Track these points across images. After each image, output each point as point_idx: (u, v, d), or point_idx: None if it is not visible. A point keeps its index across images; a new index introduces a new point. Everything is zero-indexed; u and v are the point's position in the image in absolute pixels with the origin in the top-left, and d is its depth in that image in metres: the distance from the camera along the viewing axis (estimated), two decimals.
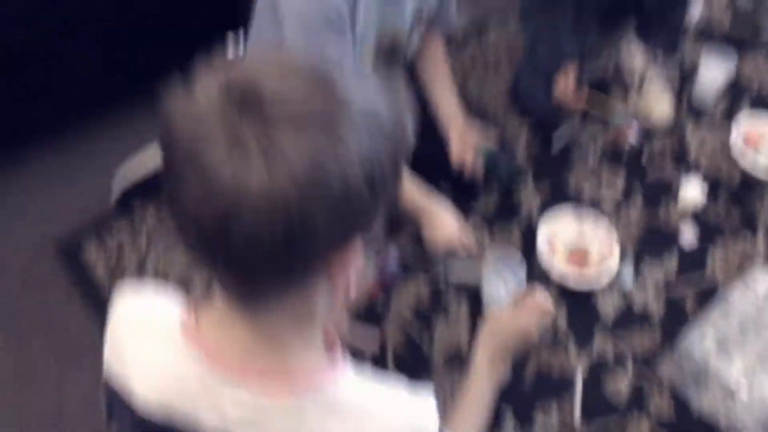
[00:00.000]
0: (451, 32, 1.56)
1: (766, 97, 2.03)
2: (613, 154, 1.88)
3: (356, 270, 0.63)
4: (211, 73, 0.56)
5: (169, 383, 0.66)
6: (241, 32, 1.67)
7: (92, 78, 1.75)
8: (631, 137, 1.88)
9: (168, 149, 0.56)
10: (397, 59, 1.40)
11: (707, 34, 2.16)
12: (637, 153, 1.88)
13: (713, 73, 1.94)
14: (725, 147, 1.89)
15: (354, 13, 1.20)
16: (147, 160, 1.70)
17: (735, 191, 1.83)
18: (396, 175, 0.61)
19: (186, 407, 0.65)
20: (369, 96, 0.58)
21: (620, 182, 1.83)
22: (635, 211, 1.78)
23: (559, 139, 1.89)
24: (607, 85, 2.02)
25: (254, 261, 0.56)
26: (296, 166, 0.53)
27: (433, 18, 1.43)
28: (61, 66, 1.68)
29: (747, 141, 1.89)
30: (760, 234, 1.76)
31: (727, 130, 1.91)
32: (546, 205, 1.74)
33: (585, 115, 1.93)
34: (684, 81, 2.03)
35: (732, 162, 1.87)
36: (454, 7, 1.48)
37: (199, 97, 0.55)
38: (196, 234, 0.57)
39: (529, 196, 1.78)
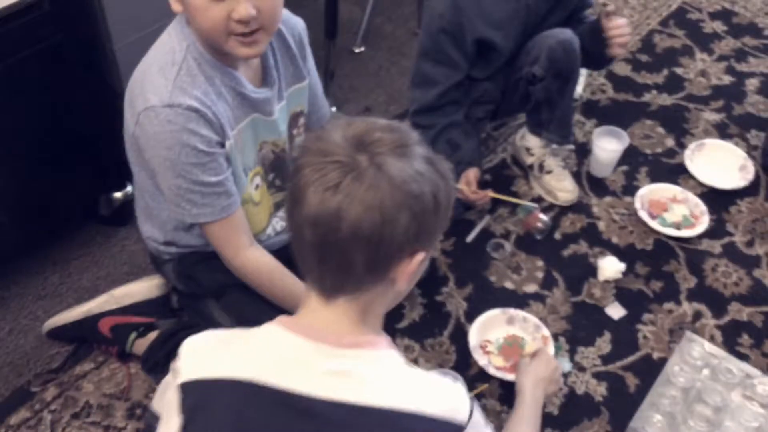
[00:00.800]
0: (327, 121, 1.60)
1: (662, 163, 2.11)
2: (527, 241, 1.89)
3: (414, 277, 0.90)
4: (332, 128, 0.85)
5: (267, 363, 0.84)
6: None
7: None
8: (541, 222, 1.90)
9: (295, 175, 0.84)
10: (286, 166, 1.45)
11: (593, 110, 2.25)
12: (549, 236, 1.90)
13: (606, 146, 2.01)
14: (633, 216, 1.94)
15: (222, 141, 1.28)
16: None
17: (651, 256, 1.86)
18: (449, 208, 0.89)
19: (279, 381, 0.82)
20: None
21: (540, 269, 1.84)
22: (559, 293, 1.78)
23: (473, 230, 1.90)
24: (508, 175, 2.06)
25: (352, 251, 0.81)
26: (395, 180, 0.81)
27: (309, 115, 1.49)
28: None
29: (651, 208, 1.94)
30: (683, 296, 1.78)
31: (631, 200, 1.96)
32: (472, 308, 1.73)
33: (494, 205, 1.95)
34: (580, 158, 2.09)
35: (642, 229, 1.92)
36: (325, 98, 1.55)
37: (327, 138, 0.84)
38: (311, 232, 0.82)
39: (453, 299, 1.76)
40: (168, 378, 0.94)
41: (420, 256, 0.87)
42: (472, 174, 1.81)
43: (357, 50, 2.43)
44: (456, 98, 1.83)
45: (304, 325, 0.87)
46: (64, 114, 1.58)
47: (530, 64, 1.80)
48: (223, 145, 1.28)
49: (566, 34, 1.79)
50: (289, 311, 0.95)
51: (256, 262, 1.36)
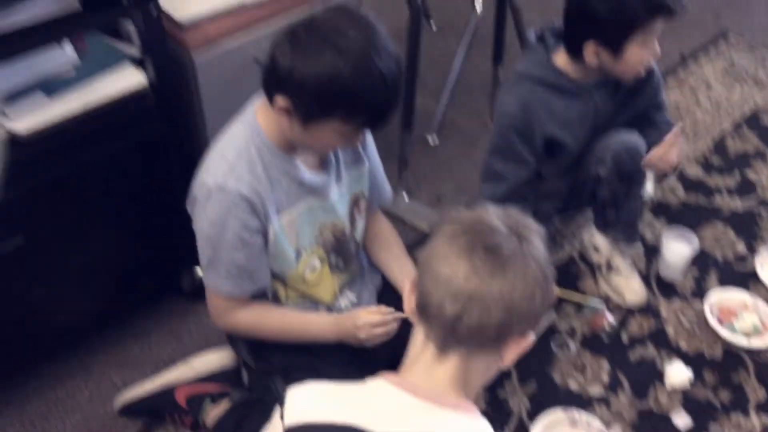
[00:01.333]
0: (389, 204, 1.67)
1: (732, 268, 2.09)
2: (593, 341, 1.89)
3: (519, 356, 0.98)
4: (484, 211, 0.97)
5: (371, 413, 0.91)
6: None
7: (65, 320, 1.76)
8: (607, 322, 1.90)
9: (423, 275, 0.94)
10: (348, 248, 1.51)
11: (664, 210, 2.26)
12: (616, 337, 1.90)
13: (677, 249, 2.01)
14: (701, 321, 1.92)
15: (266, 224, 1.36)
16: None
17: (719, 364, 1.84)
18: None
19: (381, 428, 0.89)
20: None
21: (605, 370, 1.83)
22: (624, 398, 1.76)
23: (539, 329, 1.91)
24: (575, 272, 2.08)
25: (493, 317, 0.91)
26: (540, 260, 0.93)
27: (371, 198, 1.55)
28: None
29: (721, 314, 1.93)
30: (751, 408, 1.75)
31: (701, 305, 1.95)
32: (535, 405, 1.73)
33: (560, 302, 1.96)
34: (650, 259, 2.09)
35: (711, 335, 1.90)
36: (386, 181, 1.60)
37: (482, 220, 0.95)
38: (435, 320, 0.93)
39: (516, 396, 1.77)
40: (274, 421, 1.00)
41: (530, 336, 0.97)
42: None
43: (431, 142, 2.51)
44: (524, 193, 1.85)
45: (411, 383, 0.94)
46: (157, 194, 1.69)
47: (596, 165, 1.83)
48: (265, 233, 1.35)
49: (632, 137, 1.81)
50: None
51: (237, 323, 1.44)
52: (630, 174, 1.82)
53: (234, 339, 1.60)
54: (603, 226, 1.99)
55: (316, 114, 1.21)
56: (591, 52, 1.64)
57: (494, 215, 0.96)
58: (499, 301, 0.90)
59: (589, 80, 1.74)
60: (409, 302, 1.02)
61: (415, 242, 2.16)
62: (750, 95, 2.71)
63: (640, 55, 1.63)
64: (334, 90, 1.17)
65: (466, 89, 2.69)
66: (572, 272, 2.08)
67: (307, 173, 1.37)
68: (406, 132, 2.22)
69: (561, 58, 1.73)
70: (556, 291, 1.86)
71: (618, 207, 1.91)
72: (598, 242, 2.02)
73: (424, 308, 0.95)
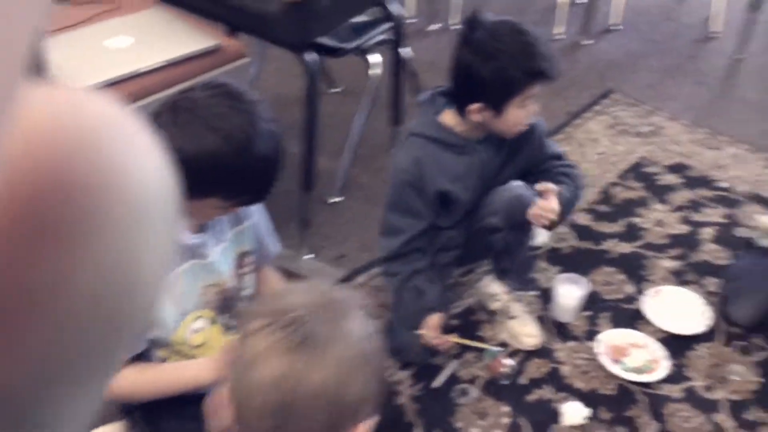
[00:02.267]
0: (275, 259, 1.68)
1: (622, 308, 2.19)
2: (494, 386, 1.93)
3: None
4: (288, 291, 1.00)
5: None
6: None
7: None
8: (506, 366, 1.95)
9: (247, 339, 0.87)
10: (237, 306, 1.50)
11: (557, 257, 2.36)
12: (515, 380, 1.95)
13: (568, 292, 2.10)
14: (595, 361, 2.00)
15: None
16: None
17: (614, 401, 1.90)
18: None
19: None
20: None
21: (505, 414, 1.87)
22: None
23: (439, 375, 1.94)
24: (475, 320, 2.13)
25: (312, 414, 0.84)
26: (353, 341, 0.88)
27: (257, 253, 1.55)
28: None
29: (613, 353, 2.00)
30: None
31: (593, 345, 2.03)
32: None
33: (461, 350, 2.00)
34: (545, 304, 2.17)
35: (604, 374, 1.97)
36: (272, 235, 1.61)
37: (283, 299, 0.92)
38: (268, 398, 0.84)
39: None
40: None
41: (373, 419, 0.92)
42: (435, 319, 1.87)
43: (333, 200, 2.56)
44: (421, 246, 1.91)
45: None
46: None
47: (490, 216, 1.91)
48: None
49: (521, 189, 1.90)
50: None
51: (116, 388, 1.38)
52: (520, 223, 1.91)
53: (127, 409, 1.56)
54: (500, 274, 2.06)
55: (195, 193, 1.23)
56: (475, 111, 1.75)
57: (302, 296, 0.90)
58: (321, 397, 0.83)
59: (475, 136, 1.84)
60: (226, 417, 0.96)
61: None
62: (633, 147, 2.88)
63: (519, 114, 1.75)
64: (215, 173, 1.20)
65: (368, 149, 2.77)
66: (472, 321, 2.13)
67: (187, 235, 1.38)
68: (306, 193, 2.27)
69: (448, 117, 1.83)
70: (452, 338, 1.92)
71: (512, 255, 1.98)
72: (495, 290, 2.09)
73: (242, 420, 0.87)
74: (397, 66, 2.40)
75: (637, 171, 2.76)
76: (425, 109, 1.85)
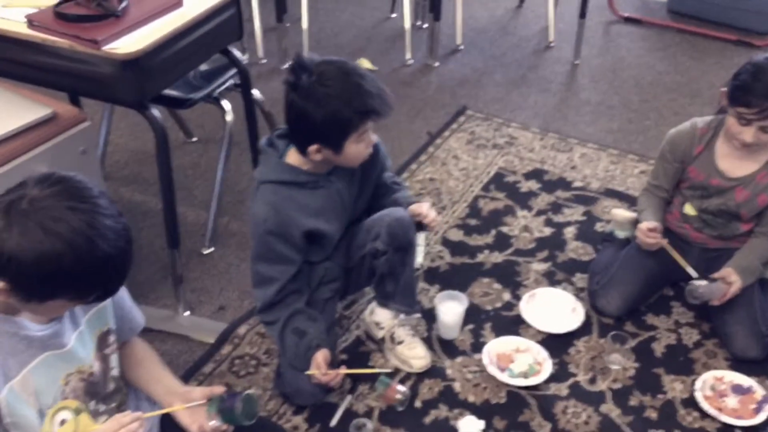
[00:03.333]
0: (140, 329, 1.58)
1: (502, 316, 2.23)
2: (390, 414, 1.92)
3: None
4: None
5: None
6: None
7: None
8: (400, 392, 1.94)
9: None
10: (104, 389, 1.40)
11: (434, 276, 2.39)
12: (410, 405, 1.94)
13: (449, 309, 2.12)
14: (483, 372, 2.03)
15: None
16: None
17: (506, 409, 1.94)
18: None
19: None
20: None
21: None
22: None
23: (336, 413, 1.91)
24: (364, 351, 2.12)
25: None
26: None
27: (120, 330, 1.46)
28: None
29: (499, 361, 2.04)
30: None
31: (480, 356, 2.06)
32: None
33: (354, 385, 1.98)
34: (429, 324, 2.19)
35: (494, 383, 2.00)
36: (134, 308, 1.52)
37: None
38: None
39: None
40: None
41: None
42: (320, 356, 1.84)
43: (206, 251, 2.49)
44: (295, 288, 1.89)
45: None
46: None
47: (372, 241, 1.93)
48: None
49: (399, 211, 1.94)
50: None
51: None
52: (403, 244, 1.93)
53: None
54: (384, 300, 2.06)
55: (38, 296, 1.17)
56: (314, 151, 1.76)
57: None
58: None
59: (324, 169, 1.84)
60: None
61: (205, 357, 2.10)
62: (492, 159, 2.98)
63: (358, 149, 1.78)
64: (57, 277, 1.14)
65: (234, 195, 2.72)
66: (361, 352, 2.11)
67: (35, 327, 1.27)
68: (174, 249, 2.19)
69: (293, 157, 1.83)
70: (341, 371, 1.89)
71: (396, 277, 1.99)
72: (379, 318, 2.09)
73: None
74: (249, 109, 2.38)
75: (498, 181, 2.85)
76: (267, 154, 1.85)
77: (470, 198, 2.76)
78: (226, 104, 2.49)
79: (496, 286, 2.36)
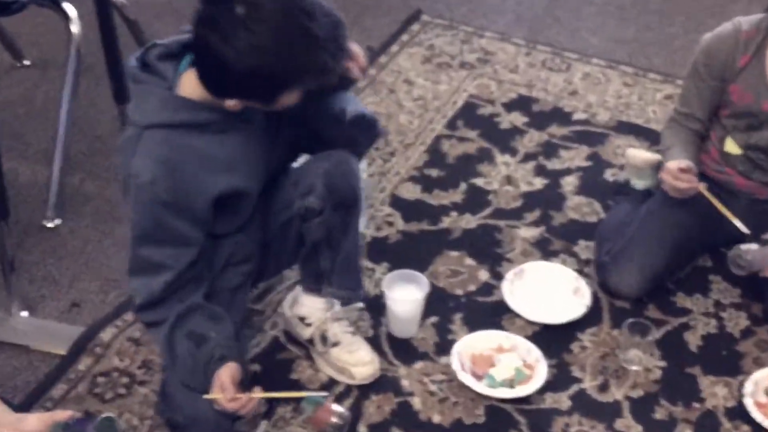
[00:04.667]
0: None
1: (477, 303, 2.26)
2: None
3: None
4: None
5: None
6: None
7: None
8: (335, 413, 1.93)
9: None
10: None
11: (382, 250, 2.39)
12: (351, 430, 1.95)
13: (403, 296, 2.12)
14: (453, 381, 2.05)
15: None
16: None
17: (483, 430, 1.97)
18: None
19: None
20: None
21: None
22: None
23: None
24: (285, 359, 2.12)
25: None
26: None
27: None
28: None
29: (475, 366, 2.06)
30: None
31: (448, 360, 2.08)
32: None
33: (270, 408, 1.98)
34: (376, 318, 2.20)
35: (468, 395, 2.03)
36: None
37: None
38: None
39: None
40: None
41: None
42: (227, 374, 1.79)
43: (50, 224, 2.46)
44: (192, 276, 1.87)
45: None
46: None
47: (302, 197, 1.93)
48: None
49: (342, 155, 1.95)
50: None
51: None
52: (346, 199, 1.95)
53: None
54: (314, 283, 2.07)
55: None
56: (233, 104, 1.75)
57: None
58: None
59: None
60: None
61: (53, 375, 2.07)
62: (459, 84, 2.99)
63: (293, 97, 1.78)
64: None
65: (88, 143, 2.70)
66: (280, 360, 2.11)
67: None
68: (1, 222, 2.14)
69: (188, 86, 1.77)
70: (261, 393, 1.88)
71: (334, 247, 2.00)
72: (306, 310, 2.09)
73: None
74: (103, 15, 2.32)
75: (468, 115, 2.86)
76: (147, 85, 1.80)
77: (429, 139, 2.77)
78: (69, 8, 2.44)
79: (469, 261, 2.38)
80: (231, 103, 1.75)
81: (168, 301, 1.86)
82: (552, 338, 2.16)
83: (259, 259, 2.04)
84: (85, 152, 2.67)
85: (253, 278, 2.08)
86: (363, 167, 2.33)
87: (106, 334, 2.17)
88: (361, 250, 2.29)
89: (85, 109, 2.71)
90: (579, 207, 2.55)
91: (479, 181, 2.63)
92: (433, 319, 2.22)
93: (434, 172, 2.65)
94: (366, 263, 2.34)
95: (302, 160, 2.07)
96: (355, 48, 1.91)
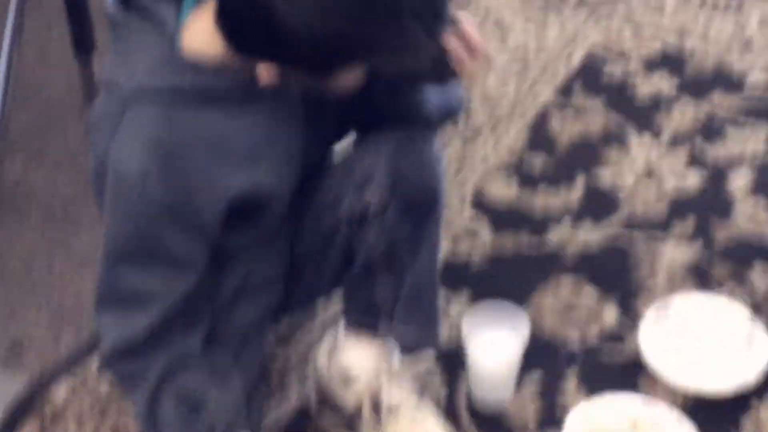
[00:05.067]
0: None
1: (600, 356, 2.22)
2: None
3: None
4: None
5: None
6: None
7: None
8: None
9: None
10: None
11: (460, 276, 2.37)
12: None
13: (493, 346, 2.10)
14: None
15: None
16: None
17: None
18: None
19: None
20: None
21: None
22: None
23: None
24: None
25: None
26: None
27: None
28: None
29: None
30: None
31: None
32: None
33: None
34: (453, 376, 2.19)
35: None
36: None
37: None
38: None
39: None
40: None
41: None
42: None
43: None
44: (188, 312, 1.88)
45: None
46: None
47: (356, 190, 1.92)
48: None
49: (414, 131, 1.95)
50: None
51: None
52: (419, 197, 1.93)
53: None
54: (365, 317, 2.07)
55: None
56: (268, 72, 1.72)
57: None
58: None
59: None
60: None
61: None
62: (576, 31, 2.97)
63: (355, 76, 1.77)
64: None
65: (36, 114, 2.75)
66: None
67: None
68: None
69: (197, 34, 1.77)
70: None
71: (398, 268, 1.99)
72: (351, 361, 2.10)
73: None
74: None
75: (589, 76, 2.84)
76: (138, 31, 1.81)
77: (532, 111, 2.76)
78: None
79: (589, 292, 2.34)
80: (264, 71, 1.72)
81: (152, 346, 1.86)
82: (714, 413, 2.11)
83: (282, 291, 2.06)
84: (30, 127, 2.71)
85: (274, 312, 2.09)
86: None
87: (60, 390, 2.21)
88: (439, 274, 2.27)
89: (32, 65, 2.72)
90: (755, 215, 2.50)
91: (604, 175, 2.60)
92: (535, 376, 2.19)
93: (538, 161, 2.63)
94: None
95: (347, 141, 2.07)
96: (466, 23, 1.89)
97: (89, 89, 2.62)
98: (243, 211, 1.86)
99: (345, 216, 1.94)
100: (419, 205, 1.94)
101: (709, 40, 2.97)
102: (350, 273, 2.04)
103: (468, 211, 2.50)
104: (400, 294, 2.02)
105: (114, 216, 1.82)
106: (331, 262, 2.03)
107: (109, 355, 1.90)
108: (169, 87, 1.77)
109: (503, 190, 2.56)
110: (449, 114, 2.07)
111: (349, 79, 1.77)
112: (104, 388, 2.18)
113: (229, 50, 1.73)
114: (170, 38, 1.77)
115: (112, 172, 1.78)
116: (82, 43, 2.61)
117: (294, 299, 2.11)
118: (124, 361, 1.89)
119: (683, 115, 2.76)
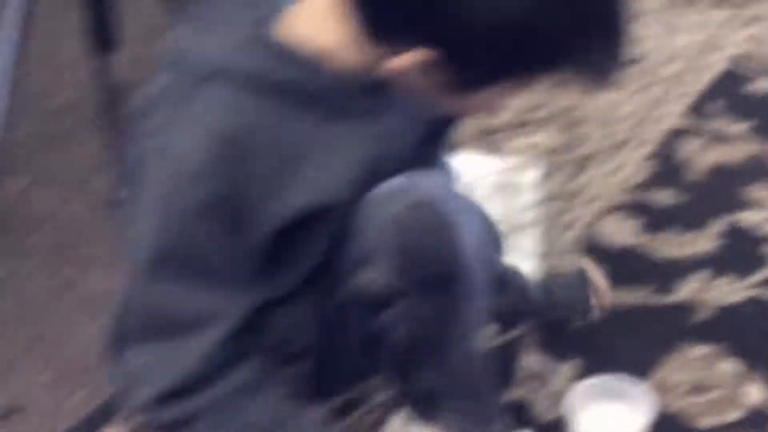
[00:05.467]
0: None
1: None
2: None
3: None
4: None
5: None
6: None
7: None
8: None
9: None
10: None
11: (568, 332, 2.42)
12: None
13: (610, 425, 2.15)
14: None
15: None
16: None
17: None
18: None
19: None
20: None
21: None
22: None
23: None
24: None
25: None
26: None
27: None
28: None
29: None
30: None
31: None
32: None
33: None
34: None
35: None
36: None
37: None
38: None
39: None
40: None
41: None
42: None
43: None
44: (245, 337, 1.89)
45: None
46: None
47: (354, 267, 1.93)
48: None
49: (431, 179, 1.93)
50: None
51: None
52: (434, 271, 1.90)
53: None
54: (421, 405, 2.14)
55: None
56: (414, 64, 1.69)
57: None
58: None
59: (370, 80, 1.81)
60: None
61: None
62: (715, 32, 3.02)
63: (498, 97, 1.79)
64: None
65: (41, 123, 2.81)
66: None
67: None
68: None
69: (311, 12, 1.78)
70: None
71: (435, 354, 2.04)
72: None
73: None
74: None
75: (731, 92, 2.89)
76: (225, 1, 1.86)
77: (657, 135, 2.81)
78: None
79: (728, 366, 2.38)
80: (406, 65, 1.69)
81: (206, 383, 1.88)
82: None
83: (318, 360, 2.09)
84: (33, 141, 2.76)
85: (312, 387, 2.11)
86: (533, 179, 2.34)
87: None
88: (485, 353, 2.27)
89: (37, 65, 2.78)
90: None
91: (750, 217, 2.64)
92: None
93: (665, 198, 2.68)
94: (535, 356, 2.37)
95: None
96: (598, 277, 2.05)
97: (107, 97, 2.60)
98: (291, 238, 1.88)
99: (350, 296, 1.96)
100: (438, 284, 1.92)
101: None
102: (388, 358, 2.08)
103: (576, 260, 2.52)
104: (446, 382, 2.08)
105: (157, 215, 1.82)
106: (352, 341, 2.06)
107: (154, 402, 1.89)
108: (258, 72, 1.78)
109: (620, 234, 2.59)
110: None
111: (496, 99, 1.80)
112: None
113: (363, 35, 1.72)
114: (265, 15, 1.79)
115: (166, 159, 1.79)
116: (101, 39, 2.59)
117: (334, 377, 2.16)
118: (172, 405, 1.89)
119: None
